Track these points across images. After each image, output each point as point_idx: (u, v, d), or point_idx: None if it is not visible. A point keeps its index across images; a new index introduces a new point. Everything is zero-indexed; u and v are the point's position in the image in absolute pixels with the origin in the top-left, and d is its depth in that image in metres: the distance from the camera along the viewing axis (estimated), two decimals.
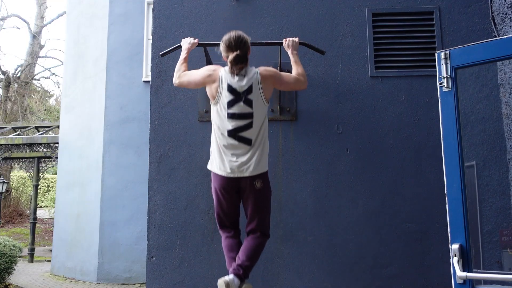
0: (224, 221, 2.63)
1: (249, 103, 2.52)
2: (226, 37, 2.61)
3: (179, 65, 2.84)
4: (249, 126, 2.52)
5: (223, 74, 2.58)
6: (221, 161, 2.54)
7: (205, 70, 2.70)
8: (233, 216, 2.64)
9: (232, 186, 2.54)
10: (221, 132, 2.55)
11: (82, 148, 8.24)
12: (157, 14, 3.37)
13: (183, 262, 3.05)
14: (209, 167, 2.64)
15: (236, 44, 2.54)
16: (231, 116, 2.52)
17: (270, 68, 2.71)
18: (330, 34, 3.26)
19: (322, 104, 3.18)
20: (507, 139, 2.91)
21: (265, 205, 2.60)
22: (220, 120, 2.55)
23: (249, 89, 2.54)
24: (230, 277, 2.40)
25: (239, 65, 2.53)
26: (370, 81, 3.19)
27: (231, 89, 2.53)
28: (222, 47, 2.61)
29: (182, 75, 2.78)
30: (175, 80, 2.81)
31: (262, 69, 2.64)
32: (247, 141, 2.52)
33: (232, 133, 2.52)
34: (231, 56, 2.53)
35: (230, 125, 2.52)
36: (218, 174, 2.55)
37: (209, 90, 2.63)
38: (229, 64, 2.55)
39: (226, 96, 2.53)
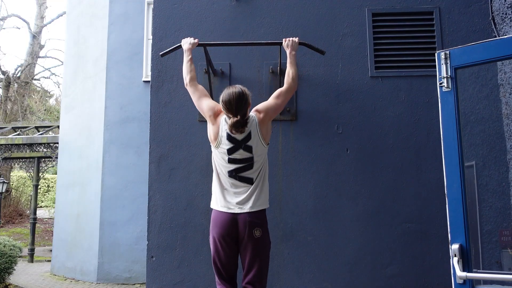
0: (221, 271, 2.54)
1: (248, 149, 2.52)
2: (225, 97, 2.50)
3: (188, 67, 2.82)
4: (249, 167, 2.53)
5: (223, 124, 2.55)
6: (222, 198, 2.54)
7: (211, 109, 2.64)
8: (231, 267, 2.55)
9: (231, 233, 2.47)
10: (222, 172, 2.56)
11: (82, 148, 8.24)
12: (157, 14, 3.37)
13: (183, 262, 3.05)
14: (211, 205, 2.62)
15: (237, 108, 2.47)
16: (232, 161, 2.53)
17: (262, 106, 2.64)
18: (330, 34, 3.26)
19: (322, 104, 3.18)
20: (507, 139, 2.91)
21: (263, 255, 2.52)
22: (220, 162, 2.56)
23: (248, 137, 2.53)
24: None
25: (240, 129, 2.49)
26: (370, 81, 3.19)
27: (230, 138, 2.52)
28: (221, 105, 2.53)
29: (194, 89, 2.77)
30: (187, 83, 2.81)
31: (257, 112, 2.60)
32: (248, 180, 2.53)
33: (233, 174, 2.53)
34: (231, 121, 2.47)
35: (230, 167, 2.53)
36: (218, 210, 2.52)
37: (209, 131, 2.63)
38: (229, 126, 2.50)
39: (226, 144, 2.53)
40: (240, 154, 2.52)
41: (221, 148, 2.55)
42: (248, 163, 2.53)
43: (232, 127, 2.48)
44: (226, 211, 2.50)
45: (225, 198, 2.53)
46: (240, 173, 2.52)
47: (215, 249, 2.53)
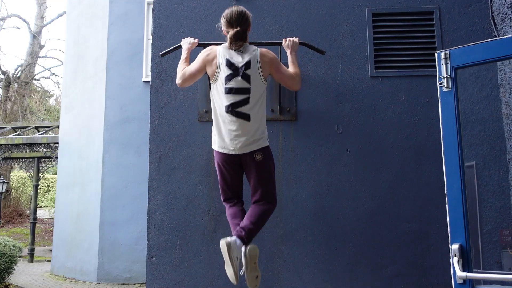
0: (228, 193, 2.68)
1: (246, 78, 2.55)
2: (227, 12, 2.64)
3: (181, 66, 2.84)
4: (246, 101, 2.54)
5: (221, 50, 2.63)
6: (221, 139, 2.59)
7: (202, 52, 2.73)
8: (236, 188, 2.68)
9: (234, 161, 2.59)
10: (219, 109, 2.59)
11: (82, 148, 8.24)
12: (157, 14, 3.37)
13: (183, 262, 3.05)
14: (212, 146, 2.69)
15: (237, 21, 2.59)
16: (229, 91, 2.54)
17: (271, 52, 2.74)
18: (330, 34, 3.26)
19: (322, 104, 3.18)
20: (507, 139, 2.91)
21: (268, 177, 2.61)
22: (218, 96, 2.59)
23: (247, 64, 2.57)
24: (232, 238, 2.39)
25: (239, 42, 2.58)
26: (370, 81, 3.19)
27: (229, 63, 2.57)
28: (222, 21, 2.64)
29: (183, 73, 2.78)
30: (178, 81, 2.80)
31: (262, 49, 2.69)
32: (245, 117, 2.54)
33: (229, 109, 2.54)
34: (231, 32, 2.57)
35: (227, 100, 2.54)
36: (219, 152, 2.60)
37: (210, 68, 2.65)
38: (228, 39, 2.59)
39: (224, 71, 2.57)
40: (237, 82, 2.54)
41: (219, 78, 2.58)
42: (245, 96, 2.54)
43: (232, 38, 2.56)
44: (227, 152, 2.57)
45: (224, 140, 2.57)
46: (237, 108, 2.53)
47: (220, 173, 2.64)
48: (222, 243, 2.36)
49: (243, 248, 2.38)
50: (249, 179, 2.65)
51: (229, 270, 2.37)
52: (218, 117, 2.60)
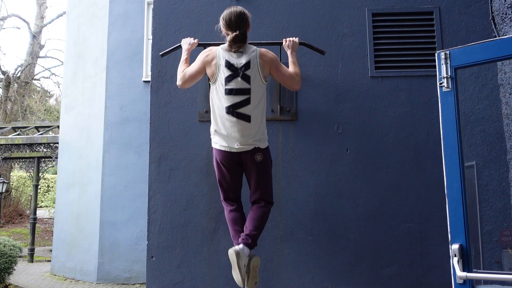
0: (227, 192, 2.68)
1: (246, 78, 2.55)
2: (226, 14, 2.62)
3: (181, 67, 2.84)
4: (246, 102, 2.54)
5: (221, 52, 2.62)
6: (221, 138, 2.58)
7: (201, 54, 2.73)
8: (236, 188, 2.69)
9: (234, 159, 2.59)
10: (219, 110, 2.58)
11: (82, 148, 8.24)
12: (157, 14, 3.37)
13: (183, 262, 3.05)
14: (212, 145, 2.69)
15: (237, 23, 2.58)
16: (229, 92, 2.54)
17: (271, 52, 2.74)
18: (330, 34, 3.26)
19: (322, 104, 3.18)
20: (507, 139, 2.91)
21: (266, 176, 2.66)
22: (218, 98, 2.58)
23: (247, 65, 2.57)
24: (240, 246, 2.46)
25: (238, 44, 2.58)
26: (370, 81, 3.19)
27: (228, 64, 2.56)
28: (222, 23, 2.63)
29: (183, 75, 2.78)
30: (179, 82, 2.80)
31: (262, 49, 2.68)
32: (246, 118, 2.54)
33: (230, 110, 2.54)
34: (231, 35, 2.57)
35: (227, 101, 2.54)
36: (220, 150, 2.60)
37: (209, 69, 2.65)
38: (227, 42, 2.59)
39: (224, 72, 2.56)
40: (237, 83, 2.54)
41: (219, 79, 2.57)
42: (245, 97, 2.54)
43: (231, 41, 2.55)
44: (228, 150, 2.57)
45: (224, 139, 2.57)
46: (238, 108, 2.53)
47: (219, 172, 2.64)
48: (231, 252, 2.43)
49: (247, 257, 2.46)
50: (248, 178, 2.67)
51: (236, 276, 2.45)
52: (218, 117, 2.60)
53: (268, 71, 2.68)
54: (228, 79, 2.55)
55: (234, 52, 2.59)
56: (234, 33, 2.55)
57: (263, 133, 2.62)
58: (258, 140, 2.57)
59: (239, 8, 2.63)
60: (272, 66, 2.68)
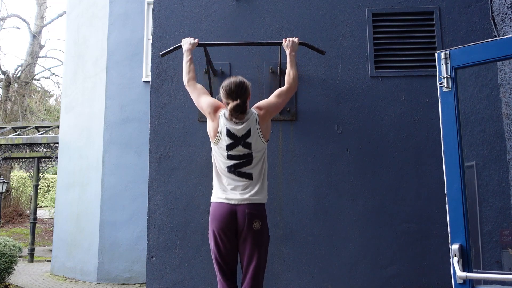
0: (222, 266, 2.52)
1: (247, 146, 2.53)
2: (226, 84, 2.56)
3: (187, 67, 2.84)
4: (248, 163, 2.53)
5: (223, 119, 2.57)
6: (221, 192, 2.54)
7: (210, 106, 2.65)
8: (231, 261, 2.53)
9: (230, 226, 2.46)
10: (220, 167, 2.57)
11: (82, 148, 8.23)
12: (157, 14, 3.37)
13: (183, 262, 3.05)
14: (211, 200, 2.61)
15: (237, 93, 2.51)
16: (231, 158, 2.54)
17: (263, 103, 2.66)
18: (330, 34, 3.26)
19: (322, 104, 3.18)
20: (507, 139, 2.91)
21: (262, 248, 2.50)
22: (220, 158, 2.57)
23: (248, 133, 2.54)
24: None
25: (240, 116, 2.52)
26: (370, 81, 3.19)
27: (230, 133, 2.53)
28: (222, 93, 2.56)
29: (192, 88, 2.79)
30: (186, 83, 2.83)
31: (258, 109, 2.61)
32: (247, 176, 2.53)
33: (232, 169, 2.53)
34: (231, 105, 2.49)
35: (229, 163, 2.54)
36: (217, 202, 2.53)
37: (209, 127, 2.63)
38: (228, 112, 2.52)
39: (225, 140, 2.53)
40: (239, 150, 2.53)
41: (220, 144, 2.56)
42: (247, 159, 2.53)
43: (232, 111, 2.49)
44: (226, 202, 2.49)
45: (225, 192, 2.53)
46: (239, 168, 2.53)
47: (214, 243, 2.51)
48: None
49: None
50: (242, 249, 2.49)
51: None
52: (220, 173, 2.58)
53: (269, 127, 2.66)
54: (229, 147, 2.53)
55: (235, 122, 2.55)
56: (235, 102, 2.49)
57: (262, 188, 2.56)
58: (257, 193, 2.52)
59: (238, 78, 2.58)
60: (272, 113, 2.66)
